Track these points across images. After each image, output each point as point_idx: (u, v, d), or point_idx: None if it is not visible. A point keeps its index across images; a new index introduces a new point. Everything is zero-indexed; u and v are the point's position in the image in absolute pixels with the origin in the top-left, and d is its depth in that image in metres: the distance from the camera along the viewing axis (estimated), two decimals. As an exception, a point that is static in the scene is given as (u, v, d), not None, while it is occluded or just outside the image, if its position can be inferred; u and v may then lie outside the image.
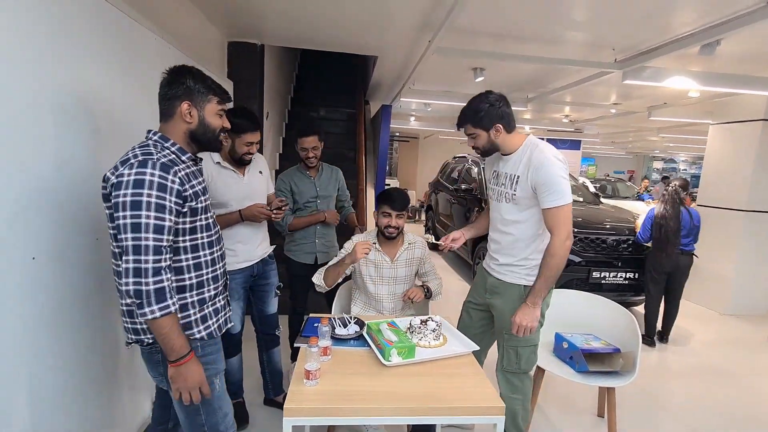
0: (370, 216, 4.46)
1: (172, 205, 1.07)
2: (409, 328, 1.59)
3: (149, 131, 1.16)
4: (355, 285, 2.05)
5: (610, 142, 11.38)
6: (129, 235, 1.02)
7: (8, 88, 1.07)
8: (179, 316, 1.12)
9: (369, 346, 1.51)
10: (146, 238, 1.02)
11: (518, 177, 1.59)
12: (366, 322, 1.62)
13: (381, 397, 1.21)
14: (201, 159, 1.26)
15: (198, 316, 1.19)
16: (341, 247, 2.00)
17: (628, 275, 3.55)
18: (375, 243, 1.94)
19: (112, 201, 1.04)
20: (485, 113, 1.57)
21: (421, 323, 1.58)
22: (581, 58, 3.29)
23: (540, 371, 2.06)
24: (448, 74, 4.24)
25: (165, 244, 1.06)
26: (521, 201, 1.59)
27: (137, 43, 1.73)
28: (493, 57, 3.29)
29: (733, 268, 4.15)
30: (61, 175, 1.28)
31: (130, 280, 1.02)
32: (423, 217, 9.75)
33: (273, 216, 1.87)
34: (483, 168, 1.97)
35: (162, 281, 1.04)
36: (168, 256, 1.07)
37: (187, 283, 1.17)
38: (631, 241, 3.64)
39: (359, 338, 1.57)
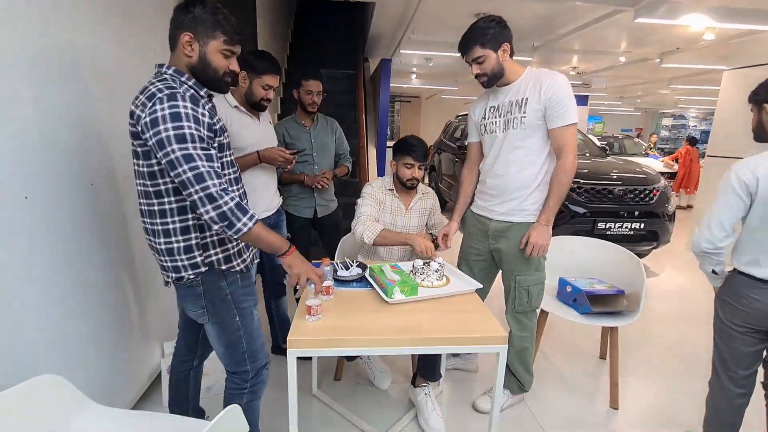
0: (372, 174, 4.41)
1: (206, 138, 1.07)
2: (411, 270, 1.59)
3: (161, 65, 1.12)
4: None
5: (618, 97, 11.03)
6: (185, 167, 1.01)
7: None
8: (220, 249, 1.18)
9: (371, 287, 1.51)
10: (202, 166, 1.02)
11: (526, 99, 1.56)
12: (368, 265, 1.61)
13: (384, 330, 1.21)
14: (213, 96, 1.21)
15: (235, 250, 1.22)
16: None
17: (634, 225, 3.51)
18: (392, 189, 1.92)
19: (153, 139, 1.01)
20: (494, 31, 1.53)
21: (424, 264, 1.57)
22: (592, -4, 3.09)
23: (543, 314, 2.07)
24: (450, 22, 4.03)
25: (217, 170, 1.06)
26: (529, 124, 1.57)
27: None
28: (497, 1, 3.10)
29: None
30: (52, 121, 1.23)
31: (209, 207, 1.03)
32: (425, 179, 9.67)
33: (291, 161, 1.85)
34: (471, 112, 1.86)
35: (234, 197, 1.06)
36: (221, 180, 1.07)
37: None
38: (638, 191, 3.58)
39: (362, 280, 1.57)
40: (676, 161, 7.18)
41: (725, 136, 4.26)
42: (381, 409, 1.85)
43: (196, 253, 1.14)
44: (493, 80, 1.61)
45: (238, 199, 1.08)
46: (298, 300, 2.54)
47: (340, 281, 1.53)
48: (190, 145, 1.02)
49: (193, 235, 1.14)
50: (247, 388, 1.28)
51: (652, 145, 10.40)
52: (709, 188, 4.45)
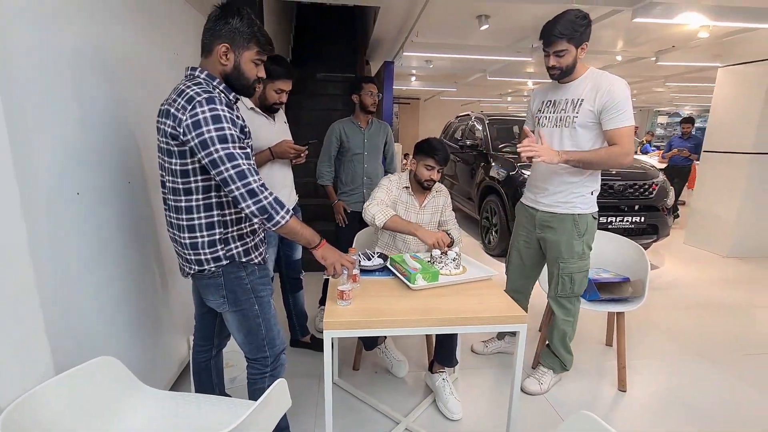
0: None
1: (240, 138, 1.15)
2: (430, 259, 1.67)
3: (193, 69, 1.18)
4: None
5: (614, 97, 11.14)
6: (228, 165, 1.09)
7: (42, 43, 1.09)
8: (240, 243, 1.25)
9: (393, 275, 1.60)
10: (243, 164, 1.11)
11: (582, 100, 1.63)
12: (389, 255, 1.70)
13: (410, 311, 1.30)
14: (239, 100, 1.29)
15: (252, 243, 1.29)
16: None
17: (634, 219, 3.61)
18: (408, 187, 1.96)
19: (196, 139, 1.08)
20: (582, 28, 1.55)
21: (441, 254, 1.66)
22: (590, -3, 3.20)
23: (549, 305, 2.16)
24: (452, 24, 4.14)
25: (255, 167, 1.15)
26: (580, 124, 1.65)
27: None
28: (498, 1, 3.21)
29: (736, 211, 4.21)
30: (92, 125, 1.31)
31: (249, 202, 1.12)
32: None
33: (303, 153, 1.92)
34: (531, 100, 1.93)
35: (272, 192, 1.16)
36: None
37: (243, 214, 1.25)
38: (638, 186, 3.68)
39: (384, 269, 1.66)
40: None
41: (721, 132, 4.36)
42: (400, 395, 1.93)
43: (219, 247, 1.21)
44: (564, 75, 1.64)
45: (275, 194, 1.17)
46: (324, 291, 2.67)
47: (363, 271, 1.62)
48: (230, 144, 1.10)
49: (217, 230, 1.21)
50: (267, 372, 1.35)
51: (647, 142, 10.55)
52: (706, 184, 4.56)
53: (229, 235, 1.23)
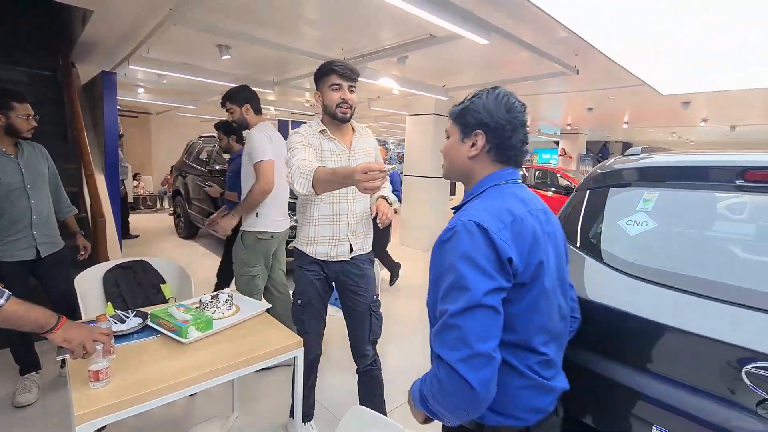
0: (107, 208, 3.71)
1: None
2: (199, 306, 1.62)
3: None
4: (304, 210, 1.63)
5: (342, 126, 13.35)
6: None
7: None
8: None
9: (158, 334, 1.45)
10: None
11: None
12: (148, 312, 1.53)
13: (185, 371, 1.24)
14: None
15: None
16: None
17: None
18: (324, 130, 1.58)
19: None
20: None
21: (212, 298, 1.63)
22: (316, 51, 3.79)
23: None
24: (191, 46, 3.93)
25: None
26: (246, 163, 2.29)
27: None
28: (238, 38, 3.33)
29: (427, 217, 5.95)
30: None
31: None
32: (169, 204, 8.63)
33: None
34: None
35: None
36: None
37: None
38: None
39: (145, 329, 1.47)
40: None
41: (413, 161, 6.08)
42: None
43: None
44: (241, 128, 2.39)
45: None
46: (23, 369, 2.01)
47: (117, 337, 1.39)
48: None
49: None
50: None
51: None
52: (409, 198, 6.15)
53: None
